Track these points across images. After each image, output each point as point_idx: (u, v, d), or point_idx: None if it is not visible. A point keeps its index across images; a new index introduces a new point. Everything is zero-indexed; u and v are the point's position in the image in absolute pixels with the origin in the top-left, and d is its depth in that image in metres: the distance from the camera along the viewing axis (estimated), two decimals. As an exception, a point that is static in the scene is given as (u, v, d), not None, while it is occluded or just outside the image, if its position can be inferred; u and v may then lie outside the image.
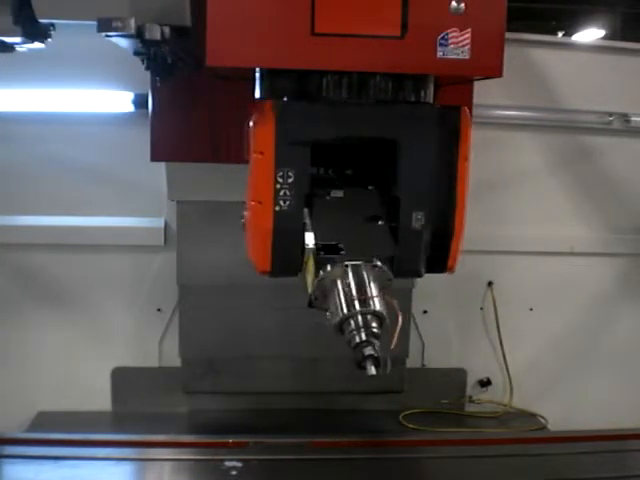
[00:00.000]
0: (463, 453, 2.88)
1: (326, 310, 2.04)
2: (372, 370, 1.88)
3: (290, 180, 1.99)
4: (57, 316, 3.46)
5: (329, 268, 2.01)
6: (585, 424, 3.32)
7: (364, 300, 1.95)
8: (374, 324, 1.93)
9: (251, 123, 2.05)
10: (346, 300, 1.96)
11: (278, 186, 1.99)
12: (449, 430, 3.36)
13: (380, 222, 2.10)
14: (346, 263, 2.01)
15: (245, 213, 2.13)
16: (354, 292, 1.97)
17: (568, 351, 3.75)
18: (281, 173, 1.98)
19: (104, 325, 3.49)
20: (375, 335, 1.91)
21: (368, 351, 1.88)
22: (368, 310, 1.94)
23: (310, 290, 2.04)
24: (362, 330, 1.92)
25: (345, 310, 1.95)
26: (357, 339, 1.91)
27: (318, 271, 2.01)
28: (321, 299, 2.04)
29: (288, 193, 1.99)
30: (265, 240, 2.04)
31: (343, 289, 1.98)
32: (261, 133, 1.99)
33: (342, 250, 2.03)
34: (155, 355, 3.52)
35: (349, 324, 1.94)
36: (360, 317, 1.93)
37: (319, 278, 2.01)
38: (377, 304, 1.95)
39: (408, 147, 2.03)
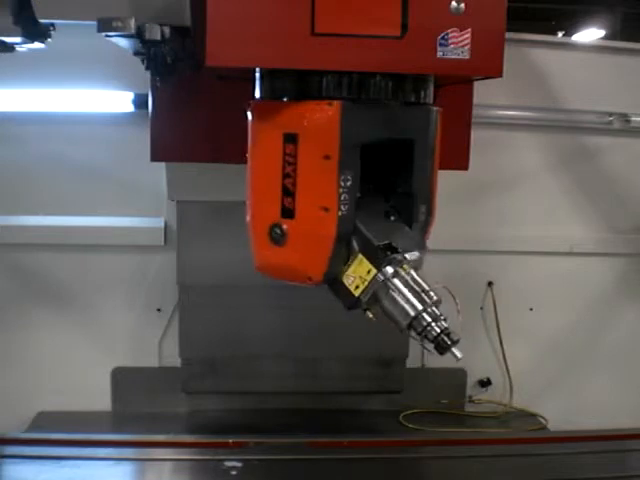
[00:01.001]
0: (463, 453, 2.88)
1: (367, 310, 2.07)
2: (460, 353, 2.01)
3: (349, 183, 1.97)
4: (57, 316, 3.46)
5: (389, 267, 2.01)
6: (585, 424, 3.32)
7: (426, 293, 2.00)
8: (438, 312, 2.00)
9: (289, 125, 1.97)
10: (414, 298, 2.00)
11: (341, 190, 1.96)
12: (449, 430, 3.36)
13: (392, 217, 2.12)
14: (408, 259, 2.03)
15: (281, 221, 2.01)
16: (417, 288, 2.00)
17: (568, 351, 3.75)
18: (343, 177, 1.95)
19: (104, 325, 3.49)
20: (446, 321, 2.00)
21: (455, 336, 1.99)
22: (434, 302, 2.00)
23: (360, 292, 2.02)
24: (436, 322, 1.98)
25: (415, 309, 1.99)
26: (434, 332, 1.99)
27: (379, 270, 2.00)
28: (371, 300, 2.04)
29: (347, 197, 1.98)
30: (326, 248, 2.00)
31: (406, 288, 2.00)
32: (327, 136, 1.93)
33: (398, 249, 2.03)
34: (155, 355, 3.52)
35: (421, 320, 1.99)
36: (430, 310, 1.99)
37: (380, 279, 2.01)
38: (434, 294, 2.02)
39: (421, 146, 2.07)
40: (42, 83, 3.19)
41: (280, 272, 2.11)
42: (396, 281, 2.00)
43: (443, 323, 1.99)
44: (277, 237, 2.02)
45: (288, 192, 1.98)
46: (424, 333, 1.99)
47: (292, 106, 1.97)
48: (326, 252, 1.99)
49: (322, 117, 1.93)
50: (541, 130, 3.57)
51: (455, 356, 2.00)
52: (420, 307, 1.98)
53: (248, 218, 2.11)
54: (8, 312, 3.41)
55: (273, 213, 2.01)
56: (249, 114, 2.08)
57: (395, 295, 2.00)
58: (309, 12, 1.85)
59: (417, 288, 2.00)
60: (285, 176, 1.97)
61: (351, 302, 2.05)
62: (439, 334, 1.98)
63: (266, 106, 2.02)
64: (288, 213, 1.99)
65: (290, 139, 1.96)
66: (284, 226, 2.00)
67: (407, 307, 1.99)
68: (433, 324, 1.98)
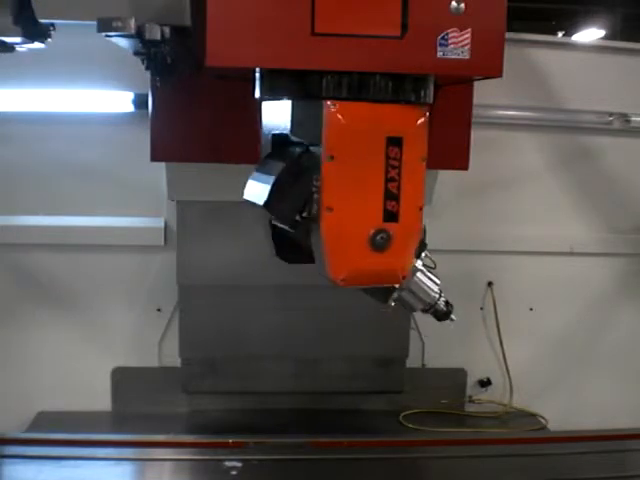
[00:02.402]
0: (463, 453, 2.88)
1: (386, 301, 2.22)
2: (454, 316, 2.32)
3: None
4: (57, 316, 3.45)
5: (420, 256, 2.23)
6: (585, 424, 3.33)
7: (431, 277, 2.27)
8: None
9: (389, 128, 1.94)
10: (432, 281, 2.26)
11: None
12: (449, 430, 3.36)
13: None
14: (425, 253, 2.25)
15: (385, 226, 1.97)
16: (428, 271, 2.26)
17: (568, 351, 3.75)
18: None
19: (104, 325, 3.49)
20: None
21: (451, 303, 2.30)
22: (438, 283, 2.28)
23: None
24: (442, 295, 2.27)
25: (435, 291, 2.26)
26: (442, 305, 2.28)
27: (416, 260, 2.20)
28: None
29: None
30: (415, 245, 2.06)
31: (426, 273, 2.25)
32: (424, 138, 1.97)
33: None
34: (155, 355, 3.52)
35: (435, 298, 2.27)
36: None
37: (416, 268, 2.21)
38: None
39: None
40: (42, 83, 3.19)
41: (373, 278, 2.07)
42: (423, 268, 2.23)
43: (444, 296, 2.27)
44: (382, 242, 1.96)
45: (392, 196, 1.95)
46: (434, 307, 2.26)
47: (396, 109, 1.94)
48: (414, 249, 2.07)
49: (423, 120, 1.96)
50: (541, 130, 3.56)
51: (452, 319, 2.30)
52: (438, 288, 2.25)
53: (330, 226, 1.97)
54: (8, 312, 3.41)
55: (374, 219, 1.96)
56: (331, 115, 1.92)
57: (420, 281, 2.23)
58: (309, 12, 1.84)
59: (427, 272, 2.25)
60: (389, 180, 1.94)
61: (388, 295, 2.18)
62: (445, 305, 2.27)
63: (365, 109, 1.94)
64: (392, 217, 1.96)
65: (394, 142, 1.93)
66: (389, 230, 1.97)
67: (429, 290, 2.23)
68: (441, 299, 2.26)
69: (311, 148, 2.00)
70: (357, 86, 1.92)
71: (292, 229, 2.03)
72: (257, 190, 2.10)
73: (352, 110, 1.92)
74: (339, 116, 1.91)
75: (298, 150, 2.05)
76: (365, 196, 1.95)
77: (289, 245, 2.23)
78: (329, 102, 1.90)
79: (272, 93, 2.02)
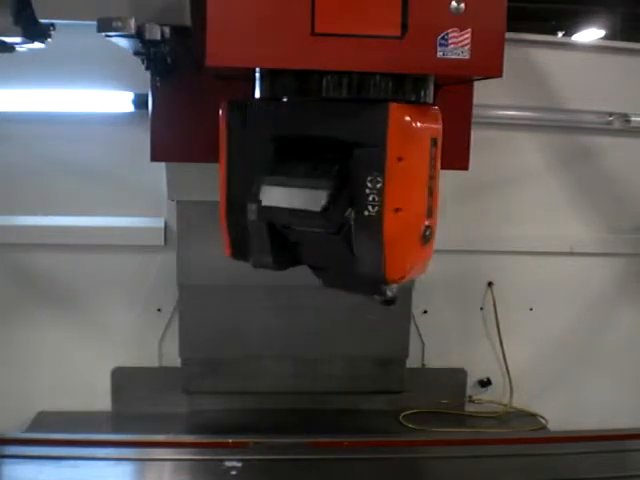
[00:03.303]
0: (463, 453, 2.88)
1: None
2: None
3: None
4: (57, 316, 3.46)
5: None
6: (585, 424, 3.33)
7: None
8: None
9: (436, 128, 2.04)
10: None
11: None
12: (449, 430, 3.36)
13: None
14: None
15: (428, 222, 2.07)
16: None
17: (568, 351, 3.75)
18: None
19: (104, 325, 3.49)
20: None
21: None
22: None
23: None
24: None
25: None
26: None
27: None
28: None
29: None
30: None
31: None
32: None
33: None
34: (155, 355, 3.52)
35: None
36: None
37: None
38: None
39: None
40: (42, 83, 3.19)
41: (417, 271, 2.15)
42: None
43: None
44: (428, 236, 2.07)
45: (432, 193, 2.05)
46: (391, 293, 2.17)
47: (438, 111, 2.05)
48: None
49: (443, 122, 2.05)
50: (541, 130, 3.56)
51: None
52: None
53: (395, 226, 1.99)
54: (8, 312, 3.41)
55: (424, 215, 2.05)
56: (397, 117, 1.94)
57: None
58: (309, 12, 1.85)
59: None
60: (430, 178, 2.04)
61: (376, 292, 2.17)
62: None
63: (419, 111, 1.99)
64: (431, 212, 2.07)
65: (434, 143, 2.02)
66: (431, 225, 2.07)
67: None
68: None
69: (355, 150, 1.96)
70: (412, 88, 2.00)
71: (337, 233, 2.03)
72: (296, 195, 2.05)
73: (412, 112, 1.96)
74: (406, 118, 1.94)
75: (340, 152, 1.99)
76: (420, 195, 2.03)
77: (291, 250, 2.23)
78: (395, 104, 1.92)
79: (321, 93, 1.99)
